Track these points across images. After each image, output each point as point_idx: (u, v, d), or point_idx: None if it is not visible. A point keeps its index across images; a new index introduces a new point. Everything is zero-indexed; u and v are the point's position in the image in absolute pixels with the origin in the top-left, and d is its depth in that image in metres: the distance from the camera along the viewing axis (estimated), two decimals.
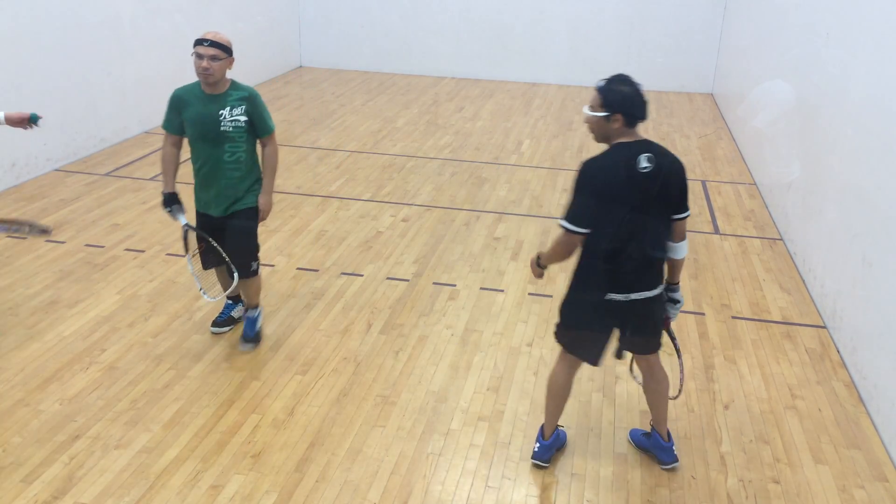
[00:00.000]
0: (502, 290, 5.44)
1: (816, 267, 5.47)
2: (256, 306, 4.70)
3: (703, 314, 5.21)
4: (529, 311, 5.17)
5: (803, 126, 6.30)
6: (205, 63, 4.12)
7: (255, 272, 4.58)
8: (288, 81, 11.73)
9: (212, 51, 4.12)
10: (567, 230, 3.29)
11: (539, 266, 3.54)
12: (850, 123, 5.12)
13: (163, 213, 6.55)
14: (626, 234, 3.30)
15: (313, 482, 3.59)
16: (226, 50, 4.19)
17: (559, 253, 3.40)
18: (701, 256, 6.08)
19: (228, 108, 4.23)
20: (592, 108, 3.28)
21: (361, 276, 5.57)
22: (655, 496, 3.58)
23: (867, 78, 4.93)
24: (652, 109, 10.56)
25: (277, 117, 9.69)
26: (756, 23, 9.02)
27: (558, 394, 3.70)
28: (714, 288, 5.57)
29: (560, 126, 9.77)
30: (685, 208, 3.39)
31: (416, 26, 12.36)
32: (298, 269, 5.67)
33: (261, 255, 5.87)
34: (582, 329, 3.57)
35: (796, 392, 4.39)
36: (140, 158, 7.94)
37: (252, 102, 4.29)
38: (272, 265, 5.70)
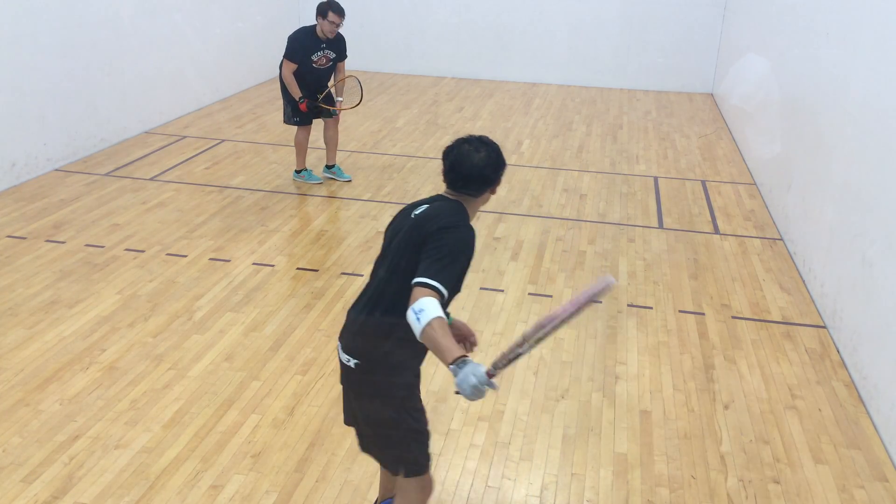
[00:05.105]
0: (502, 290, 5.44)
1: (816, 267, 5.47)
2: None
3: (703, 314, 5.21)
4: (529, 311, 5.16)
5: (803, 126, 6.30)
6: None
7: None
8: None
9: None
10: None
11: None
12: (850, 123, 5.12)
13: (164, 213, 6.59)
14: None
15: (313, 482, 3.59)
16: None
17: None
18: (701, 256, 6.08)
19: None
20: None
21: (361, 276, 5.57)
22: (655, 496, 3.58)
23: (867, 78, 4.93)
24: (652, 109, 10.73)
25: (277, 118, 9.68)
26: (756, 23, 9.02)
27: None
28: (714, 288, 5.57)
29: (560, 126, 9.77)
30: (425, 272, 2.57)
31: (416, 26, 12.36)
32: (298, 269, 5.67)
33: (261, 254, 5.92)
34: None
35: (796, 392, 4.39)
36: (140, 158, 7.93)
37: None
38: (272, 265, 5.69)
